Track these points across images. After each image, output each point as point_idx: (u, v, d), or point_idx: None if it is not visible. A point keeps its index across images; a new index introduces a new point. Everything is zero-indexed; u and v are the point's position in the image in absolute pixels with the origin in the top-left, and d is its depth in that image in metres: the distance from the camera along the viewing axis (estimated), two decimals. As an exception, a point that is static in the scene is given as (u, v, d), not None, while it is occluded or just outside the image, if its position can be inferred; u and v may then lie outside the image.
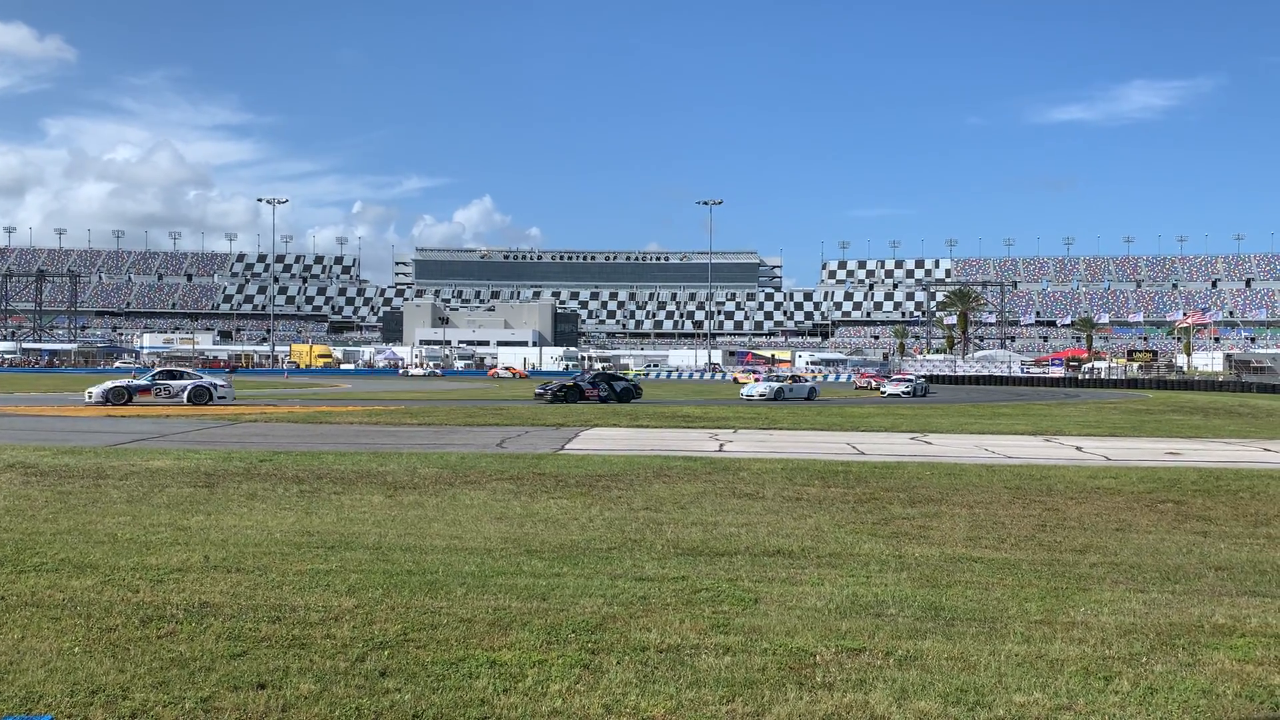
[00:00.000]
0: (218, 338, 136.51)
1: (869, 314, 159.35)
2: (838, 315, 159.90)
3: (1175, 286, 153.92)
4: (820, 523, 9.53)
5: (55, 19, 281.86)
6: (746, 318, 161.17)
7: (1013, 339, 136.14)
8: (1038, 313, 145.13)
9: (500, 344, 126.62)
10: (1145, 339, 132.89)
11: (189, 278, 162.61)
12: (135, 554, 7.69)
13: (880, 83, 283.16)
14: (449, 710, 4.47)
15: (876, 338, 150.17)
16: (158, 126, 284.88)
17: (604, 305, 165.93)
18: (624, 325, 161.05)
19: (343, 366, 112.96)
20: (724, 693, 4.74)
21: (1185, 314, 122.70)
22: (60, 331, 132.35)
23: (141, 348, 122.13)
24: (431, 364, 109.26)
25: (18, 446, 15.90)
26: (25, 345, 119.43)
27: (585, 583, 6.89)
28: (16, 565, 7.24)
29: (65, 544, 8.04)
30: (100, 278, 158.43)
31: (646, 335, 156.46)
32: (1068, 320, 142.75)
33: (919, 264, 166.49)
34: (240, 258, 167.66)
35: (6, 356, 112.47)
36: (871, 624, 5.97)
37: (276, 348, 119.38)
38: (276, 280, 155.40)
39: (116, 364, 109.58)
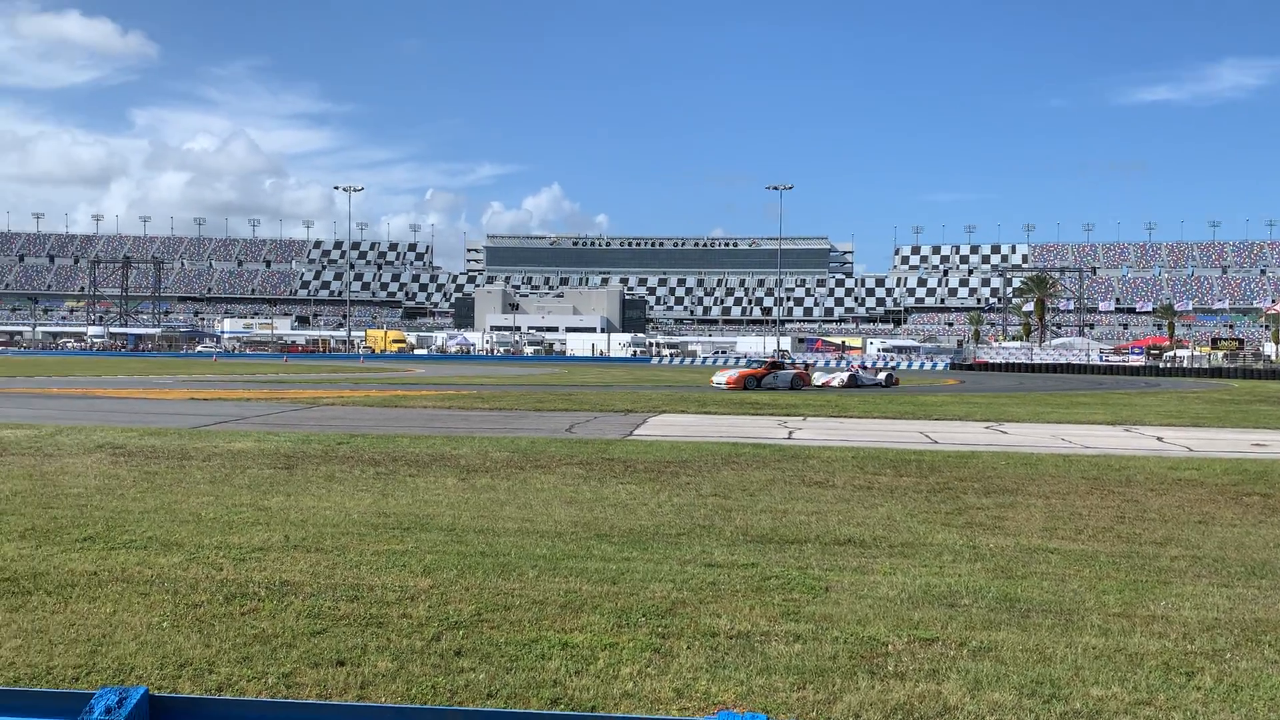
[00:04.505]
0: (295, 323, 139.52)
1: (943, 300, 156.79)
2: (910, 302, 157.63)
3: (1263, 272, 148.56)
4: (892, 512, 9.44)
5: (138, 13, 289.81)
6: (816, 304, 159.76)
7: (1091, 326, 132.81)
8: (1117, 299, 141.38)
9: (569, 330, 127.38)
10: (1231, 326, 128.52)
11: (268, 264, 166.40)
12: (219, 533, 7.93)
13: (957, 63, 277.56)
14: (522, 690, 4.55)
15: (951, 325, 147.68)
16: (239, 115, 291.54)
17: (671, 292, 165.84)
18: (691, 312, 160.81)
19: (416, 352, 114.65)
20: (794, 680, 4.74)
21: (1274, 300, 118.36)
22: (145, 317, 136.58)
23: (222, 332, 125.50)
24: (501, 349, 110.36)
25: (107, 428, 16.47)
26: (112, 330, 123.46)
27: (655, 568, 6.93)
28: (108, 542, 7.52)
29: (153, 522, 8.32)
30: (183, 264, 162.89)
31: (714, 322, 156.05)
32: (1149, 307, 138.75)
33: (995, 249, 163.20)
34: (317, 244, 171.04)
35: (95, 340, 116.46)
36: (944, 614, 5.91)
37: (352, 333, 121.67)
38: (352, 267, 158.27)
39: (199, 348, 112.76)
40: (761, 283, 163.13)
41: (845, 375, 43.20)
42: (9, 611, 5.67)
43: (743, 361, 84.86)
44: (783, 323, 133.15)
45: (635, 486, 10.76)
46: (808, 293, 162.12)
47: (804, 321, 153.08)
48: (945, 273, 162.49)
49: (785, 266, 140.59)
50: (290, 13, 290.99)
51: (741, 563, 7.13)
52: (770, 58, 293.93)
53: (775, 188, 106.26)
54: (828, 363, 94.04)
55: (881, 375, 44.49)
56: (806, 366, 45.57)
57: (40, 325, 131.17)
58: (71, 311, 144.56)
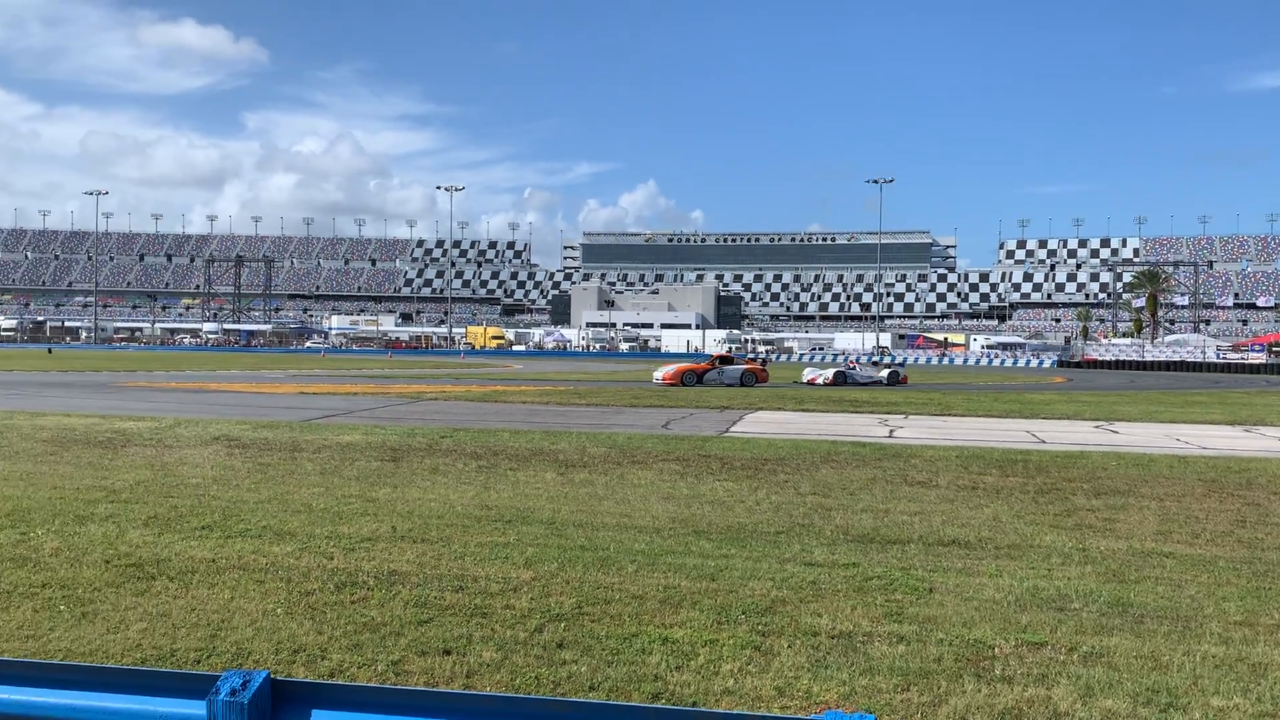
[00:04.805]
0: (399, 320, 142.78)
1: (1049, 295, 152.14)
2: (1015, 297, 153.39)
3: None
4: (998, 512, 9.23)
5: (249, 20, 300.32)
6: (917, 299, 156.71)
7: (1207, 323, 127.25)
8: (1236, 294, 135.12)
9: (664, 326, 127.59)
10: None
11: (373, 262, 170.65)
12: (329, 523, 8.19)
13: (1062, 51, 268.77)
14: (623, 684, 4.58)
15: (1058, 320, 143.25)
16: (345, 118, 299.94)
17: (767, 287, 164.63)
18: (788, 307, 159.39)
19: (514, 348, 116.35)
20: (898, 681, 4.68)
21: None
22: (257, 313, 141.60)
23: (330, 329, 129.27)
24: (597, 345, 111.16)
25: (222, 420, 17.14)
26: (226, 326, 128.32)
27: (754, 565, 6.90)
28: (224, 531, 7.83)
29: (266, 512, 8.63)
30: (292, 263, 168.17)
31: (811, 318, 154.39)
32: (1270, 302, 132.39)
33: (1104, 243, 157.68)
34: (420, 243, 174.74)
35: (210, 336, 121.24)
36: (1053, 618, 5.75)
37: (453, 329, 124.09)
38: (453, 265, 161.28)
39: (307, 344, 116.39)
40: (860, 278, 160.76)
41: (831, 372, 39.06)
42: (135, 595, 5.95)
43: (840, 359, 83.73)
44: (882, 319, 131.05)
45: (732, 484, 10.74)
46: (908, 288, 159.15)
47: (904, 317, 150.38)
48: (1052, 267, 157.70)
49: (885, 261, 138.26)
50: (393, 17, 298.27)
51: (842, 562, 7.06)
52: (868, 49, 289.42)
53: (875, 181, 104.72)
54: (929, 360, 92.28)
55: (884, 372, 40.22)
56: (763, 361, 40.86)
57: (159, 322, 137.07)
58: (188, 308, 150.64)
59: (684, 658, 4.94)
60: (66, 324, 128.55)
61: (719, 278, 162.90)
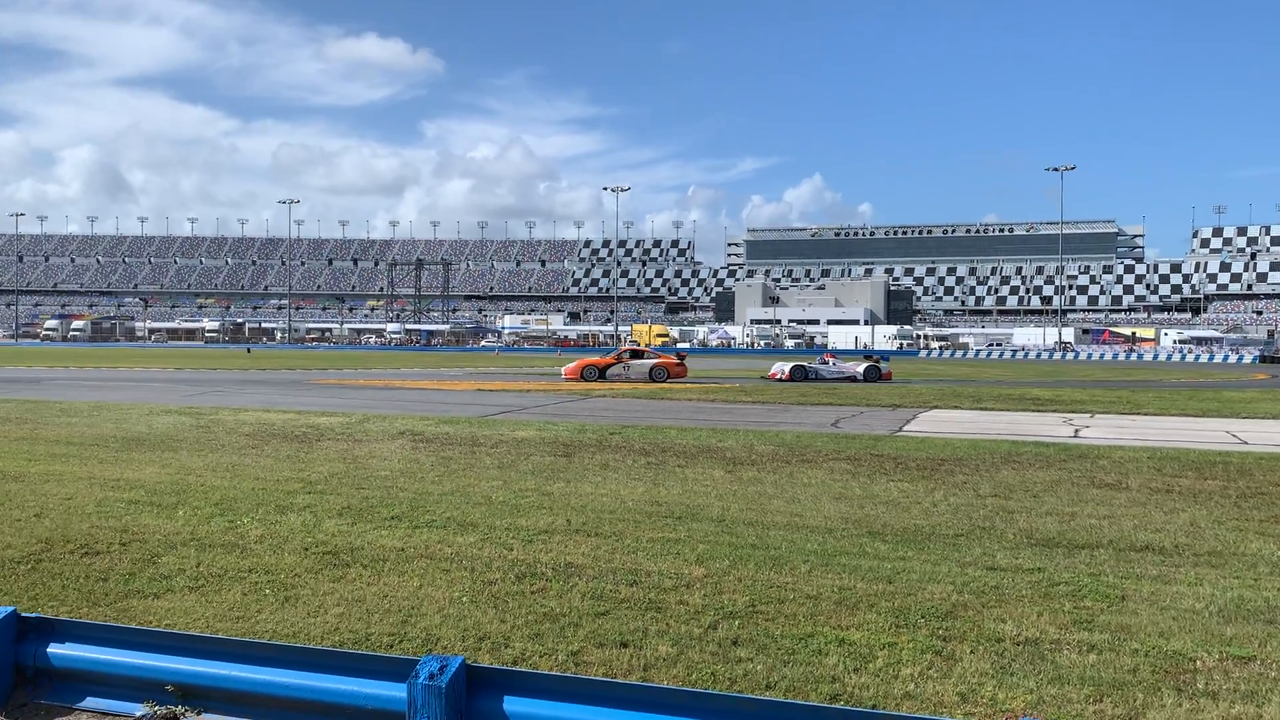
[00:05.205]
0: (567, 318, 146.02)
1: (1249, 287, 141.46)
2: (1211, 288, 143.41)
3: None
4: (1196, 517, 8.67)
5: (426, 32, 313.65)
6: (1102, 292, 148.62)
7: None
8: None
9: (830, 322, 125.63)
10: None
11: (542, 263, 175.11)
12: (508, 515, 8.47)
13: (1265, 19, 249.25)
14: (800, 684, 4.56)
15: (1259, 313, 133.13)
16: (516, 123, 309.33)
17: (940, 281, 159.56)
18: (962, 302, 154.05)
19: (678, 345, 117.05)
20: (1090, 691, 4.47)
21: None
22: (435, 314, 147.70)
23: (503, 328, 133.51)
24: (762, 342, 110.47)
25: (406, 416, 17.98)
26: (407, 326, 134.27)
27: (932, 568, 6.73)
28: (412, 521, 8.21)
29: (449, 504, 9.01)
30: (468, 265, 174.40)
31: (988, 312, 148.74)
32: None
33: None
34: (587, 244, 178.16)
35: (393, 336, 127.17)
36: (1262, 631, 5.37)
37: (619, 327, 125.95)
38: (619, 264, 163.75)
39: (482, 343, 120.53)
40: (1040, 270, 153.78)
41: (789, 367, 35.58)
42: (332, 581, 6.33)
43: (1019, 354, 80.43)
44: (1064, 312, 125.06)
45: (907, 484, 10.49)
46: (1092, 280, 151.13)
47: (1088, 311, 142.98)
48: (1252, 256, 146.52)
49: (1067, 252, 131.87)
50: (562, 22, 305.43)
51: (1026, 567, 6.79)
52: (1042, 25, 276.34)
53: (1055, 169, 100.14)
54: (1115, 355, 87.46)
55: (860, 367, 36.20)
56: (680, 356, 37.06)
57: (346, 322, 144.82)
58: (372, 310, 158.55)
59: (862, 660, 4.87)
60: (263, 325, 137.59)
61: (889, 272, 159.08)
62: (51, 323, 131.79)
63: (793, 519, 8.47)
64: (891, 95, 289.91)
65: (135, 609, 5.68)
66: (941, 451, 13.24)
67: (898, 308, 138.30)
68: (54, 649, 4.23)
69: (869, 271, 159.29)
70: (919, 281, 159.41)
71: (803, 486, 10.25)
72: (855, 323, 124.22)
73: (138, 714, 4.06)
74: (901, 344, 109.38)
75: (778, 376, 35.08)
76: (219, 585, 6.21)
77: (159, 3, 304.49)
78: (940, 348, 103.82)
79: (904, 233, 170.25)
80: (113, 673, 4.09)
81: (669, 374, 33.82)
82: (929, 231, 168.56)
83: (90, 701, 4.22)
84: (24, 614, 4.37)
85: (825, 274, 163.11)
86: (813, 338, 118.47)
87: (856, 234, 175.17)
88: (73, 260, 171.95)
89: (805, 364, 36.24)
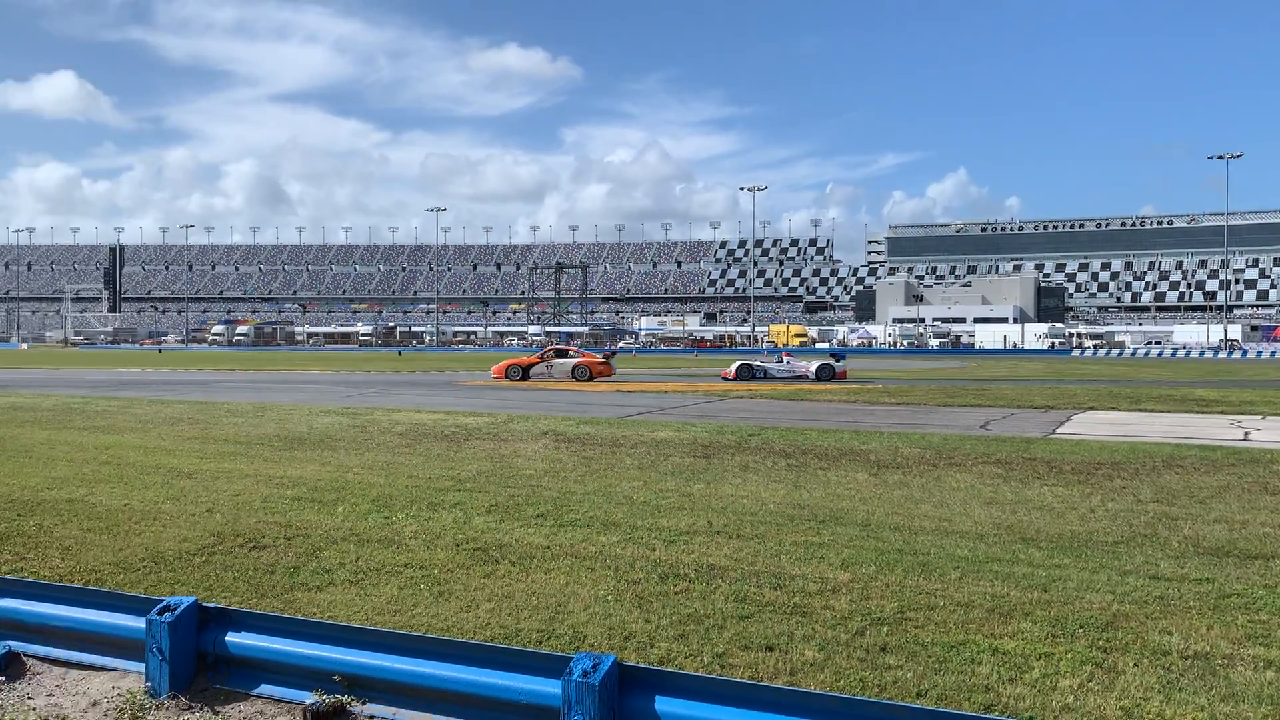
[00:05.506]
0: (703, 319, 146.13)
1: None
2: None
3: None
4: (1386, 528, 8.04)
5: (565, 40, 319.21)
6: (1273, 286, 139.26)
7: None
8: None
9: (977, 321, 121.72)
10: None
11: (678, 265, 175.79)
12: (649, 515, 8.54)
13: None
14: (952, 692, 4.45)
15: None
16: (652, 127, 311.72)
17: (1094, 277, 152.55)
18: (1118, 298, 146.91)
19: (817, 345, 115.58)
20: (1268, 711, 4.21)
21: None
22: (574, 316, 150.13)
23: (639, 329, 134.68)
24: (905, 342, 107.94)
25: (549, 416, 18.34)
26: (548, 328, 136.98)
27: (1090, 577, 6.46)
28: (556, 519, 8.38)
29: (592, 503, 9.15)
30: (605, 268, 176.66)
31: (1145, 309, 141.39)
32: None
33: None
34: (723, 244, 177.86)
35: (534, 339, 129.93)
36: None
37: (756, 328, 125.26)
38: (755, 264, 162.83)
39: (619, 344, 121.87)
40: (1203, 264, 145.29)
41: (734, 366, 34.97)
42: (483, 577, 6.51)
43: (1180, 353, 76.49)
44: (1230, 308, 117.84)
45: (1062, 489, 10.09)
46: (1262, 274, 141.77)
47: (1257, 306, 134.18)
48: None
49: (1234, 244, 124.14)
50: (697, 25, 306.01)
51: (1193, 577, 6.44)
52: (1199, 9, 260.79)
53: (1220, 157, 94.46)
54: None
55: (812, 365, 35.25)
56: (607, 355, 35.44)
57: (490, 325, 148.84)
58: (514, 313, 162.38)
59: (1017, 670, 4.72)
60: (413, 329, 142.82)
61: (1038, 268, 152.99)
62: (218, 328, 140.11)
63: (941, 524, 8.26)
64: (1040, 87, 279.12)
65: (300, 600, 5.98)
66: (1098, 455, 12.68)
67: (1049, 305, 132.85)
68: (231, 638, 4.51)
69: (1017, 268, 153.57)
70: (1071, 278, 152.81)
71: (951, 491, 9.98)
72: (1004, 321, 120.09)
73: (308, 701, 4.28)
74: (1054, 343, 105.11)
75: (727, 376, 34.71)
76: (377, 579, 6.48)
77: (315, 21, 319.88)
78: (1095, 346, 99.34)
79: (1054, 227, 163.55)
80: (285, 662, 4.33)
81: (592, 373, 33.65)
82: (1081, 225, 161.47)
83: (264, 689, 4.47)
84: (204, 604, 4.67)
85: (971, 271, 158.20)
86: (958, 337, 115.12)
87: (1004, 229, 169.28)
88: (237, 269, 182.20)
89: (752, 362, 35.80)
